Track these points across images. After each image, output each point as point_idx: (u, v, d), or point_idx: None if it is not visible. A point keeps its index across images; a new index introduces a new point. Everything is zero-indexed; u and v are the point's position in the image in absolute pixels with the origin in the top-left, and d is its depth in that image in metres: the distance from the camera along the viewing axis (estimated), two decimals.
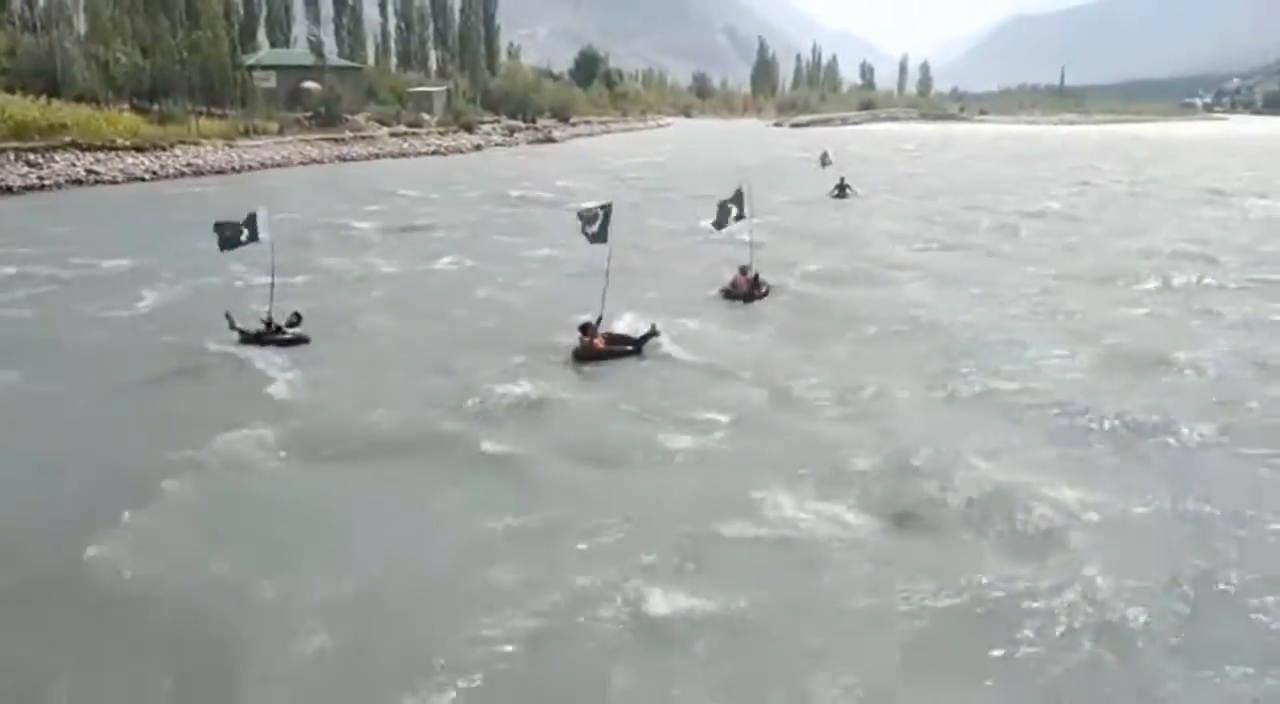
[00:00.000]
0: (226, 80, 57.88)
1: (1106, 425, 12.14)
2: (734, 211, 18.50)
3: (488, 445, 11.31)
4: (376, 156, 58.47)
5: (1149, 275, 22.16)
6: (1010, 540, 9.16)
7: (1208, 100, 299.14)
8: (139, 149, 45.12)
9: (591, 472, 10.77)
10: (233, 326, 15.79)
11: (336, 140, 58.44)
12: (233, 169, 47.40)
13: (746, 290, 19.36)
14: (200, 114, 53.91)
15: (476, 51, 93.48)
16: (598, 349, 14.92)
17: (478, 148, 68.93)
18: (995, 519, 9.53)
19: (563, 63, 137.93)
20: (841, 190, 38.11)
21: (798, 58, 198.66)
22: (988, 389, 13.70)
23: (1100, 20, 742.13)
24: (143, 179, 42.67)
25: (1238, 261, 24.40)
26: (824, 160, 37.87)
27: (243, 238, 15.89)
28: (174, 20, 56.52)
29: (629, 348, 15.23)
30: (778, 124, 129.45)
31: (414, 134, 66.66)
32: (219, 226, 15.86)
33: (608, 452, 11.32)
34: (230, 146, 50.43)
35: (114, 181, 41.38)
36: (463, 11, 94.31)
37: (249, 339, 15.63)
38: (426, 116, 72.35)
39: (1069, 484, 10.31)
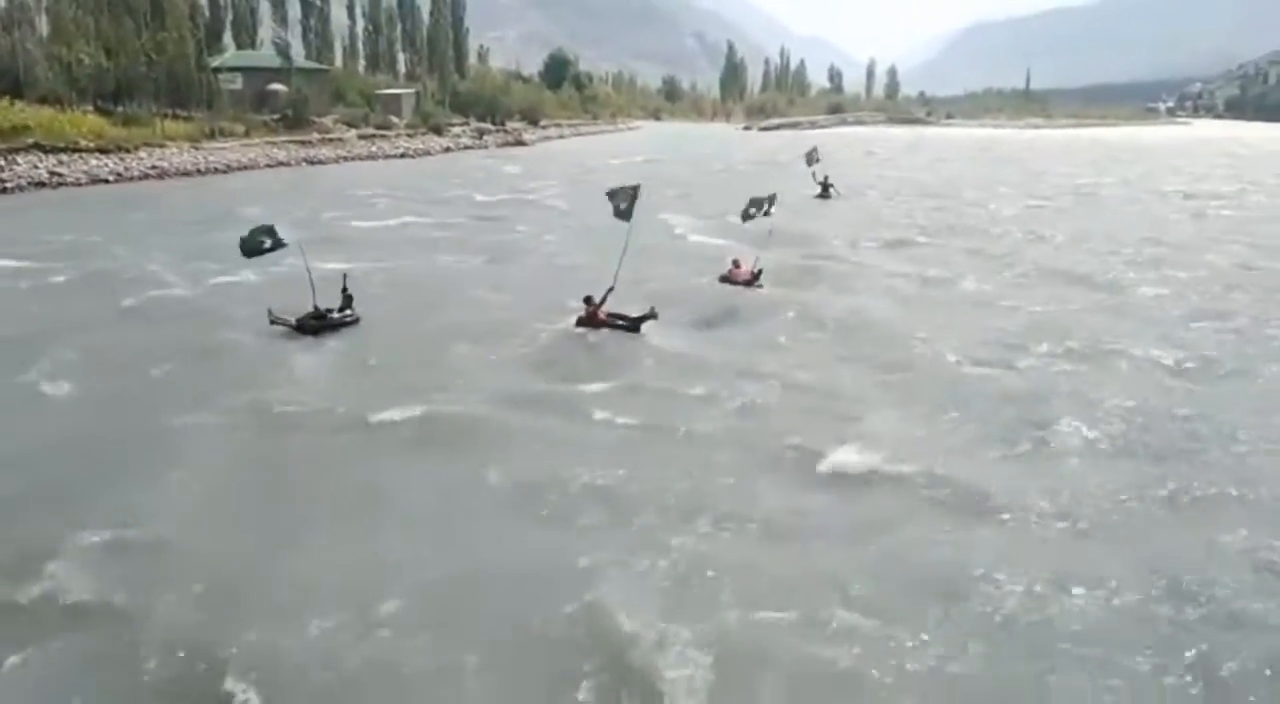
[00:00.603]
0: (192, 82, 57.30)
1: (1042, 398, 13.59)
2: (762, 209, 20.86)
3: (508, 405, 13.02)
4: (345, 159, 58.07)
5: (1106, 270, 23.71)
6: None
7: (1170, 104, 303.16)
8: (103, 151, 44.63)
9: (597, 428, 12.26)
10: (275, 321, 16.62)
11: (304, 143, 57.99)
12: (198, 171, 46.96)
13: (746, 278, 20.90)
14: (165, 116, 53.37)
15: (445, 54, 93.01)
16: (597, 319, 16.62)
17: (446, 150, 68.64)
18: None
19: (532, 65, 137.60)
20: (825, 191, 39.30)
21: (766, 62, 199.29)
22: (946, 365, 15.39)
23: (1064, 25, 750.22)
24: (107, 181, 42.21)
25: (1200, 259, 25.48)
26: (810, 158, 38.74)
27: (266, 244, 16.66)
28: (138, 21, 55.85)
29: (623, 324, 16.65)
30: (747, 127, 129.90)
31: (382, 136, 66.27)
32: (242, 240, 16.65)
33: (616, 410, 12.76)
34: (196, 149, 49.92)
35: (77, 184, 40.90)
36: (431, 14, 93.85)
37: (300, 328, 16.58)
38: (395, 119, 71.94)
39: (1018, 451, 11.75)
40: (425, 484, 10.51)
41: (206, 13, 70.91)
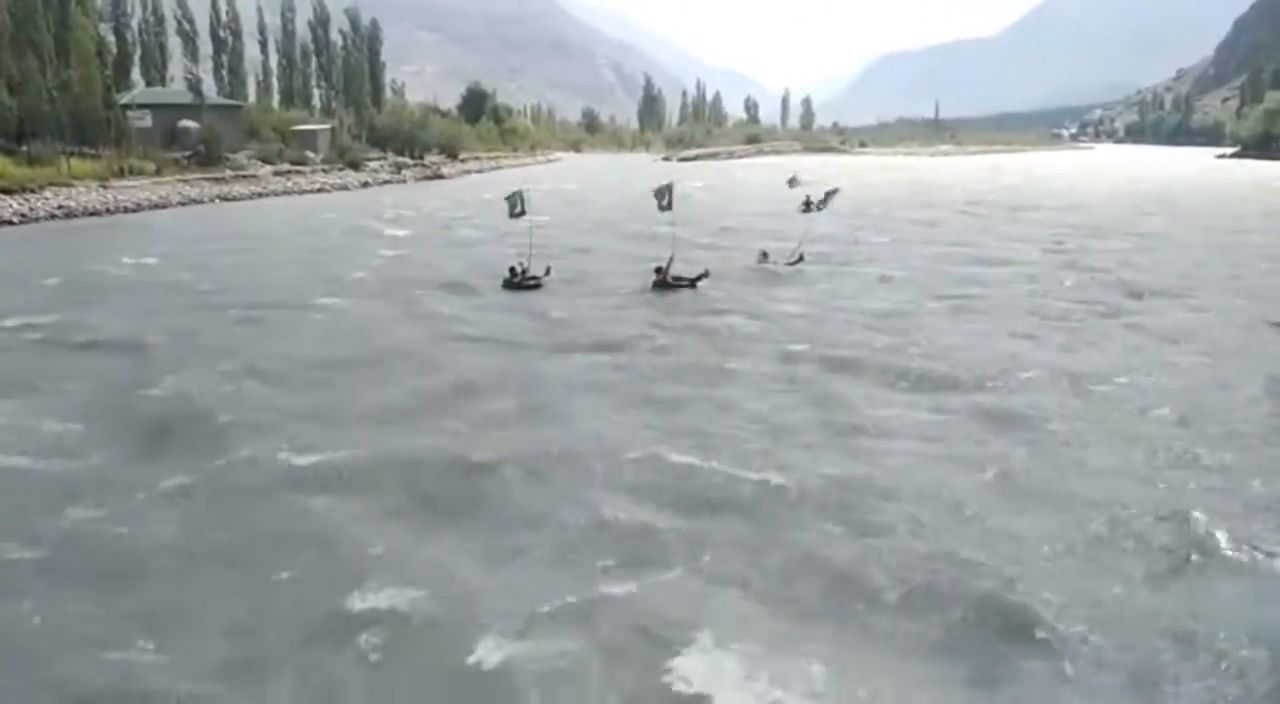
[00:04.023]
0: (99, 120, 56.01)
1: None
2: (822, 206, 31.58)
3: (642, 332, 19.38)
4: (260, 196, 57.28)
5: (1014, 259, 30.83)
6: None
7: (1073, 131, 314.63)
8: (6, 191, 43.30)
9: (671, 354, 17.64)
10: (514, 272, 24.42)
11: (217, 180, 57.08)
12: (107, 210, 45.89)
13: (786, 260, 28.22)
14: (72, 155, 52.00)
15: (361, 88, 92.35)
16: (666, 282, 23.51)
17: (364, 185, 68.12)
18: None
19: (450, 99, 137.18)
20: (807, 205, 43.57)
21: (684, 94, 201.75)
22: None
23: (970, 56, 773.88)
24: (11, 222, 40.88)
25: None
26: (792, 182, 42.51)
27: (518, 210, 24.45)
28: (43, 58, 54.43)
29: (686, 284, 23.43)
30: (666, 158, 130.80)
31: (298, 172, 65.53)
32: (509, 199, 24.66)
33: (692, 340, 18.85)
34: (105, 188, 48.78)
35: None
36: (346, 48, 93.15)
37: (512, 284, 24.17)
38: (311, 154, 71.19)
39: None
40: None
41: (114, 49, 69.38)
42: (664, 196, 24.32)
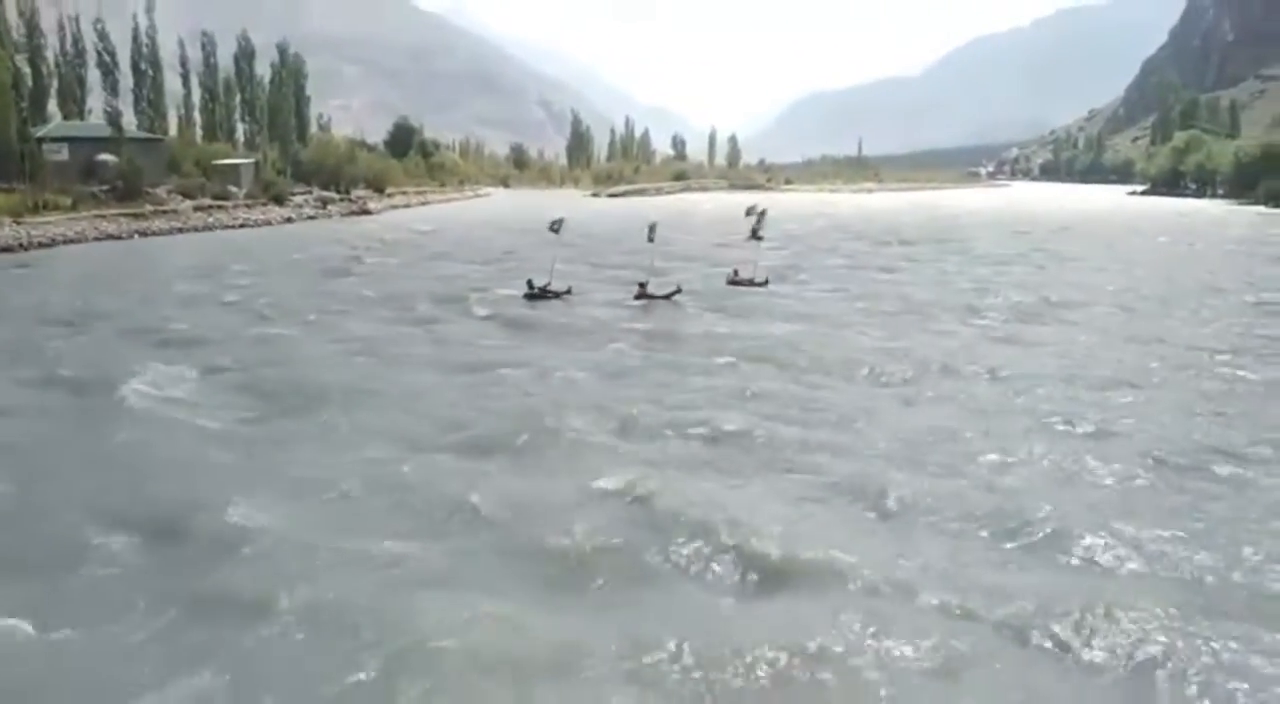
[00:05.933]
0: (13, 153, 54.72)
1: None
2: (757, 230, 34.65)
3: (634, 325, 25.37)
4: (180, 231, 56.39)
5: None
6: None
7: (990, 169, 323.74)
8: None
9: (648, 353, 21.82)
10: (531, 286, 29.56)
11: (135, 215, 56.03)
12: (21, 246, 44.76)
13: (753, 279, 33.61)
14: None
15: (287, 123, 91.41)
16: (646, 295, 29.04)
17: (289, 220, 67.35)
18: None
19: (377, 134, 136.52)
20: (754, 234, 47.80)
21: (612, 131, 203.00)
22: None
23: (892, 95, 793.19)
24: None
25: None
26: (751, 211, 46.75)
27: (557, 228, 30.08)
28: None
29: (662, 297, 28.90)
30: (595, 194, 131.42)
31: (220, 207, 64.54)
32: (553, 222, 30.53)
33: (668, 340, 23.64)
34: (18, 223, 47.59)
35: None
36: (272, 82, 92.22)
37: (532, 295, 29.24)
38: (234, 189, 70.17)
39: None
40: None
41: (30, 80, 67.81)
42: (651, 232, 31.54)
